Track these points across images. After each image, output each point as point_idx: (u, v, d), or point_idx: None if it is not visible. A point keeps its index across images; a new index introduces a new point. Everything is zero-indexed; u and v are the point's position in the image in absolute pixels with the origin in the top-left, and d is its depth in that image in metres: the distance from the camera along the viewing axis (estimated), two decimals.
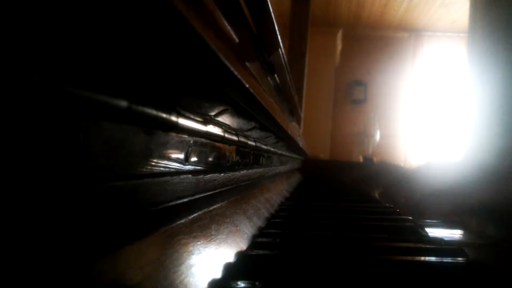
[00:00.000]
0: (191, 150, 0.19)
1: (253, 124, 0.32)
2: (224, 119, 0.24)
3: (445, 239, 0.26)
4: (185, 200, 0.19)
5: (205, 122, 0.19)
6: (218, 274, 0.17)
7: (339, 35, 3.16)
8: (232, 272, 0.18)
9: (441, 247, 0.24)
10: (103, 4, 0.10)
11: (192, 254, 0.16)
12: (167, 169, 0.16)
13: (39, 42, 0.08)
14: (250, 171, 0.35)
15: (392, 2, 2.89)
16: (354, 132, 3.36)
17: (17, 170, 0.09)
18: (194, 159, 0.19)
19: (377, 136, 3.24)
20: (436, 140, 3.38)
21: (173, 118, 0.15)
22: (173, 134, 0.17)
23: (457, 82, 3.12)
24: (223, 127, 0.23)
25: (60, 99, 0.09)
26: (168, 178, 0.17)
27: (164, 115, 0.15)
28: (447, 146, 3.19)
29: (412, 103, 3.49)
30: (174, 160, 0.17)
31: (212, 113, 0.21)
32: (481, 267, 0.19)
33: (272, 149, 0.44)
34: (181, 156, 0.18)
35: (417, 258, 0.21)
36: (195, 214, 0.19)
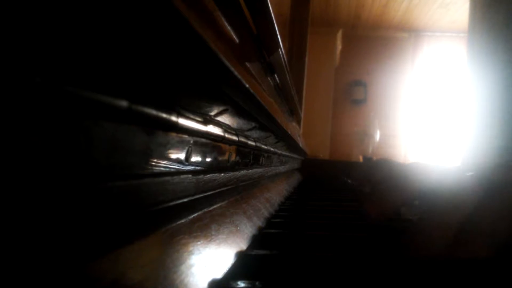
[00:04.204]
0: (191, 150, 0.19)
1: (253, 124, 0.32)
2: (224, 119, 0.24)
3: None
4: (185, 200, 0.19)
5: (205, 122, 0.19)
6: (218, 274, 0.17)
7: (339, 35, 3.17)
8: (232, 272, 0.18)
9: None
10: (104, 4, 0.10)
11: (192, 254, 0.16)
12: (167, 169, 0.16)
13: (40, 42, 0.08)
14: (250, 171, 0.36)
15: (391, 3, 2.89)
16: (354, 132, 3.36)
17: (19, 170, 0.09)
18: (194, 159, 0.19)
19: (377, 136, 3.24)
20: (436, 139, 3.38)
21: (173, 118, 0.15)
22: (173, 134, 0.17)
23: (457, 82, 3.13)
24: (223, 127, 0.23)
25: (61, 99, 0.09)
26: (168, 178, 0.17)
27: (164, 115, 0.15)
28: (447, 145, 3.20)
29: (412, 103, 3.49)
30: (174, 160, 0.17)
31: (212, 113, 0.21)
32: (480, 265, 0.19)
33: (272, 149, 0.44)
34: (181, 156, 0.18)
35: (415, 257, 0.21)
36: (195, 214, 0.19)
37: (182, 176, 0.18)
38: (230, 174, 0.28)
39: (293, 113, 0.86)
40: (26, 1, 0.08)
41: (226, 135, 0.23)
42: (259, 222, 0.30)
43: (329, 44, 3.09)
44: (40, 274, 0.09)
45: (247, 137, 0.30)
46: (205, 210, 0.21)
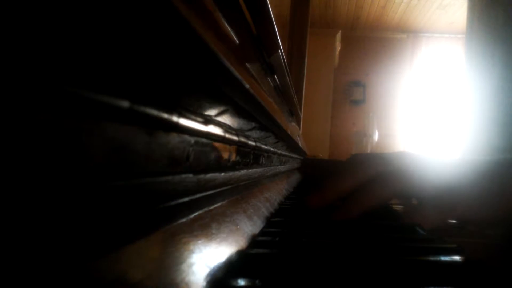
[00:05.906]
0: (192, 150, 0.19)
1: (253, 124, 0.32)
2: (225, 119, 0.24)
3: (443, 237, 0.26)
4: (186, 199, 0.19)
5: (206, 122, 0.19)
6: (218, 272, 0.18)
7: (338, 36, 3.18)
8: (232, 270, 0.18)
9: (438, 245, 0.24)
10: (105, 5, 0.10)
11: (193, 252, 0.16)
12: (168, 169, 0.17)
13: (41, 42, 0.09)
14: (250, 170, 0.36)
15: (390, 4, 2.91)
16: (353, 132, 3.37)
17: (21, 171, 0.09)
18: (195, 158, 0.19)
19: (376, 135, 3.25)
20: (434, 139, 3.39)
21: (174, 119, 0.16)
22: (174, 134, 0.17)
23: (455, 83, 3.14)
24: (224, 127, 0.23)
25: (62, 99, 0.10)
26: (169, 177, 0.17)
27: (165, 116, 0.15)
28: (445, 145, 3.21)
29: (410, 103, 3.50)
30: (175, 159, 0.17)
31: (213, 114, 0.21)
32: (479, 266, 0.19)
33: (272, 149, 0.44)
34: (182, 156, 0.18)
35: (415, 256, 0.21)
36: (196, 213, 0.19)
37: (183, 176, 0.18)
38: (231, 173, 0.28)
39: (293, 113, 0.86)
40: (25, 2, 0.08)
41: (227, 135, 0.23)
42: (259, 221, 0.30)
43: (328, 45, 3.10)
44: (44, 273, 0.09)
45: (247, 137, 0.30)
46: (206, 209, 0.21)
